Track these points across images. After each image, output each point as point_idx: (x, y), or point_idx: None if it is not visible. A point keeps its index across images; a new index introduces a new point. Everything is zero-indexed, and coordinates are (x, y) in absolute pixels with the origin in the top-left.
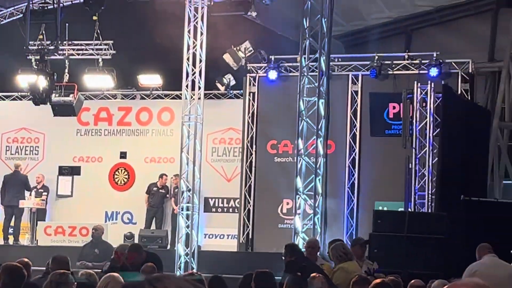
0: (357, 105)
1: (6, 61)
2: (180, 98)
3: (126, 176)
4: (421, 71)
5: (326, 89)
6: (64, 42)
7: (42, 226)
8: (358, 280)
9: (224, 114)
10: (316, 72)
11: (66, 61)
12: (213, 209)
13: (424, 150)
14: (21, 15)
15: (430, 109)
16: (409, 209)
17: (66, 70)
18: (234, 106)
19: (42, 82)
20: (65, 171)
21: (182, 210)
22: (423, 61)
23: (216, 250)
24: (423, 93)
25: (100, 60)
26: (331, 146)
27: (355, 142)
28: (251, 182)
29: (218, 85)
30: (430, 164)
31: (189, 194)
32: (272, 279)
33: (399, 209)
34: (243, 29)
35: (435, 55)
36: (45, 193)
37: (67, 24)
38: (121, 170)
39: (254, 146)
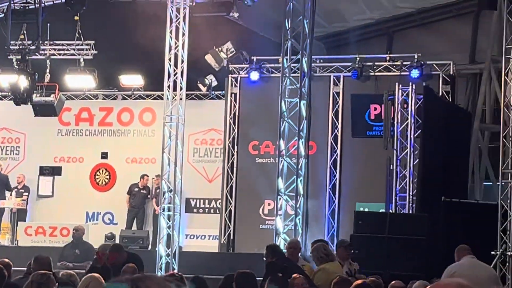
0: (338, 106)
1: None
2: (161, 98)
3: (107, 177)
4: (402, 73)
5: (308, 90)
6: (46, 42)
7: (23, 227)
8: (339, 281)
9: (206, 115)
10: (298, 73)
11: (48, 61)
12: (195, 210)
13: (405, 151)
14: (3, 15)
15: (411, 110)
16: (390, 210)
17: (47, 70)
18: (215, 107)
19: (23, 82)
20: (46, 171)
21: (164, 210)
22: (404, 63)
23: (197, 251)
24: (405, 94)
25: (81, 60)
26: (312, 147)
27: (336, 143)
28: (232, 183)
29: (200, 85)
30: (411, 165)
31: (170, 195)
32: (254, 280)
33: (380, 210)
34: (225, 30)
35: (416, 56)
36: (26, 193)
37: (48, 24)
38: (102, 171)
39: (235, 147)
